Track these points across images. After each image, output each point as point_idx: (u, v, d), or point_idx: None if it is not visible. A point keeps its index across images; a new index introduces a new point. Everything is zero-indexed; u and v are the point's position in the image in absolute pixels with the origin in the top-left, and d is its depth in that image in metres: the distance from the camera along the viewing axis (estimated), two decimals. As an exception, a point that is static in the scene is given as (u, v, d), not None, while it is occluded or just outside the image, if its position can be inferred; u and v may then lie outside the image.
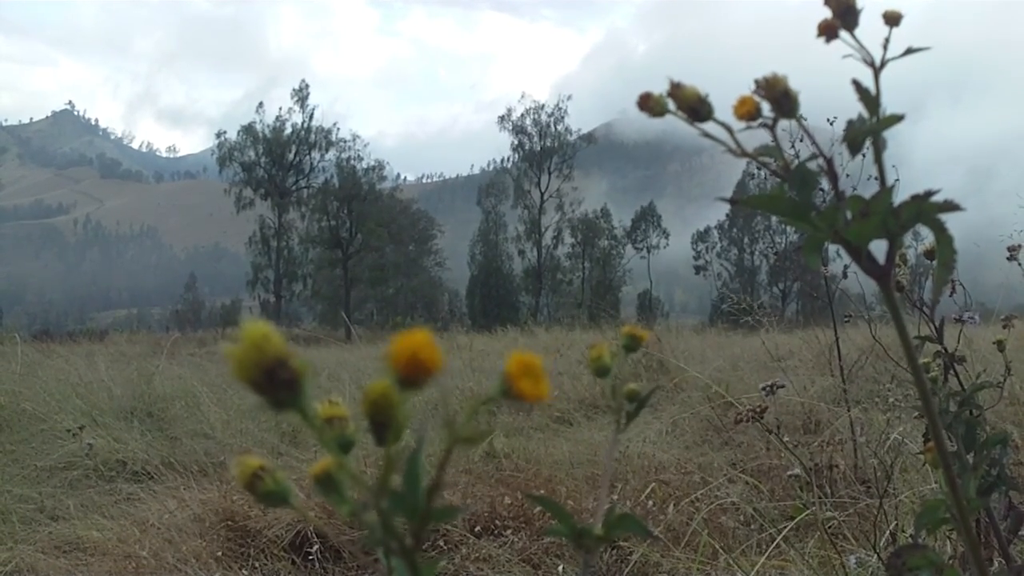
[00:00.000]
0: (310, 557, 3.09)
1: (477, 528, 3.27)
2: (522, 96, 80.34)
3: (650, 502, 3.32)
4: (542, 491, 3.59)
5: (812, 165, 0.59)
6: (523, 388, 0.40)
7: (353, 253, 45.48)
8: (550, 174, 50.12)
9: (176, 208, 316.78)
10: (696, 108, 0.58)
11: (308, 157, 48.14)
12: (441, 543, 3.16)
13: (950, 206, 0.56)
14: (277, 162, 47.10)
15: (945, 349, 1.35)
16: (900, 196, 0.57)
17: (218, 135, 48.66)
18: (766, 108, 0.59)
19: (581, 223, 50.48)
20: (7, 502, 3.80)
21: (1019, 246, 1.95)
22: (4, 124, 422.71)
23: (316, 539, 3.12)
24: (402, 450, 0.41)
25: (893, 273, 0.59)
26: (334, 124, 53.62)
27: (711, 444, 4.81)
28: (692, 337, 12.10)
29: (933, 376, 1.26)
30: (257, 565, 3.14)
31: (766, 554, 2.53)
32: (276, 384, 0.36)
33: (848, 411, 3.73)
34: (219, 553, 3.13)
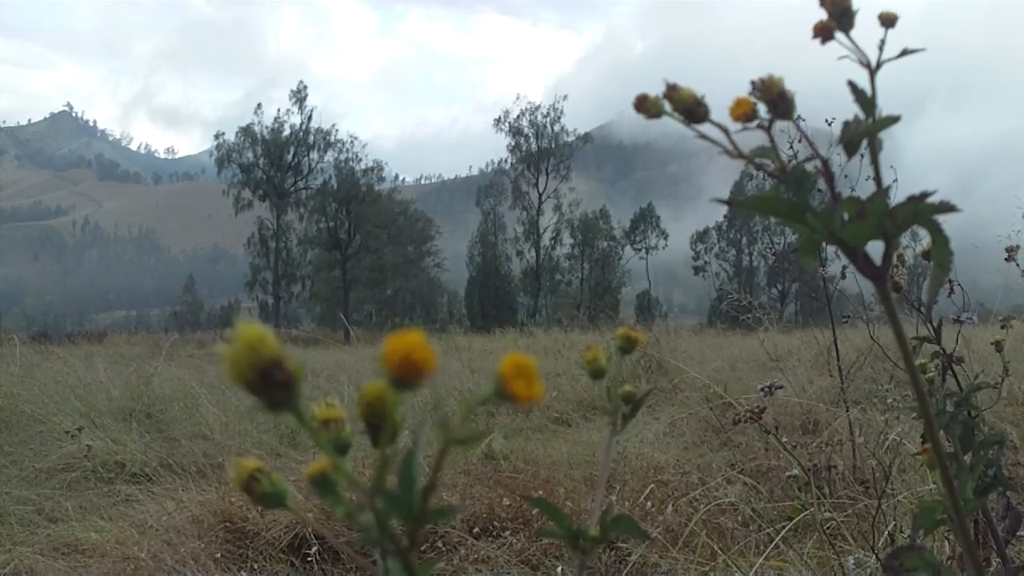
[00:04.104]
0: (308, 559, 3.09)
1: (475, 529, 3.27)
2: (518, 97, 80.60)
3: (648, 503, 3.32)
4: (541, 492, 3.59)
5: (808, 166, 0.59)
6: (516, 389, 0.40)
7: (352, 254, 45.47)
8: (548, 175, 50.09)
9: (174, 210, 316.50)
10: (692, 110, 0.58)
11: (306, 158, 48.12)
12: (440, 544, 3.16)
13: (946, 207, 0.56)
14: (275, 163, 47.07)
15: (943, 350, 1.35)
16: (896, 197, 0.57)
17: (216, 136, 48.70)
18: (762, 109, 0.59)
19: (580, 224, 50.46)
20: (5, 504, 3.80)
21: (1017, 247, 1.96)
22: (2, 126, 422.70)
23: (315, 540, 3.12)
24: (398, 451, 0.41)
25: (889, 274, 0.59)
26: (332, 125, 53.52)
27: (710, 445, 4.81)
28: (691, 338, 12.12)
29: (930, 377, 1.26)
30: (256, 567, 3.13)
31: (764, 555, 2.53)
32: (271, 385, 0.36)
33: (847, 412, 3.73)
34: (217, 555, 3.13)
